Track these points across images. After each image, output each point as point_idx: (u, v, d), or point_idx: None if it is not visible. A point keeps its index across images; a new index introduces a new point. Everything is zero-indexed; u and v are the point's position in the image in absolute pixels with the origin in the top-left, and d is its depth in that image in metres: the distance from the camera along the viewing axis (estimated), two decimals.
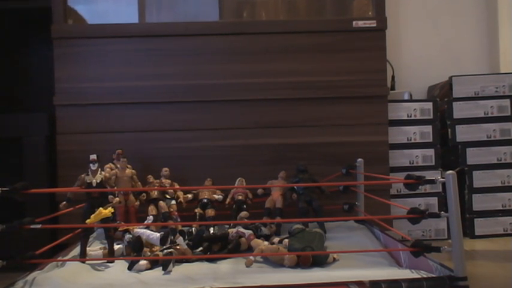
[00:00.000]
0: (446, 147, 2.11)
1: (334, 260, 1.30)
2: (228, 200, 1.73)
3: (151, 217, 1.62)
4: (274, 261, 1.29)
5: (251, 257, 1.29)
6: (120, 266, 1.28)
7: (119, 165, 1.69)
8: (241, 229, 1.47)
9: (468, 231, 2.05)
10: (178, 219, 1.65)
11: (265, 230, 1.54)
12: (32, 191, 1.17)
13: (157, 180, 1.74)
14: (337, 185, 1.79)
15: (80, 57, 1.86)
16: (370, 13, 1.96)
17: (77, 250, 1.38)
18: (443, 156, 2.09)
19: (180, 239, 1.39)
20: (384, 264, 1.24)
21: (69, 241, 1.45)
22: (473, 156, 2.07)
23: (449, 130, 2.08)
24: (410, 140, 2.04)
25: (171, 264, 1.24)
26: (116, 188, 1.58)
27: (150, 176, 1.77)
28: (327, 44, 1.91)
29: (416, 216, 1.15)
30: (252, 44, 1.90)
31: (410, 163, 2.03)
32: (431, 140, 2.04)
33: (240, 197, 1.70)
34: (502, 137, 2.07)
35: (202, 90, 1.88)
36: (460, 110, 2.08)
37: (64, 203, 1.43)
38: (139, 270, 1.24)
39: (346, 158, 1.86)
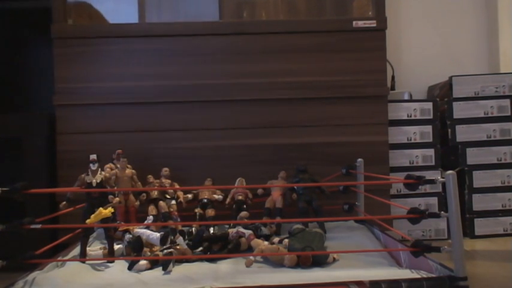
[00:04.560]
0: (446, 147, 2.11)
1: (334, 260, 1.29)
2: (228, 200, 1.73)
3: (151, 217, 1.62)
4: (274, 261, 1.29)
5: (251, 257, 1.28)
6: (120, 266, 1.28)
7: (119, 165, 1.69)
8: (241, 229, 1.47)
9: (468, 231, 2.05)
10: (178, 219, 1.65)
11: (265, 230, 1.54)
12: (32, 191, 1.17)
13: (157, 180, 1.74)
14: (337, 185, 1.79)
15: (80, 57, 1.86)
16: (370, 13, 1.96)
17: (77, 250, 1.38)
18: (443, 156, 2.09)
19: (180, 239, 1.39)
20: (383, 264, 1.24)
21: (69, 241, 1.45)
22: (473, 156, 2.07)
23: (449, 130, 2.08)
24: (410, 140, 2.04)
25: (171, 264, 1.24)
26: (116, 188, 1.58)
27: (150, 176, 1.77)
28: (327, 44, 1.91)
29: (416, 216, 1.15)
30: (252, 44, 1.90)
31: (410, 163, 2.03)
32: (431, 140, 2.04)
33: (240, 197, 1.70)
34: (502, 137, 2.07)
35: (202, 90, 1.88)
36: (460, 110, 2.08)
37: (64, 203, 1.43)
38: (139, 270, 1.24)
39: (346, 158, 1.86)
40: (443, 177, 1.09)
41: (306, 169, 1.73)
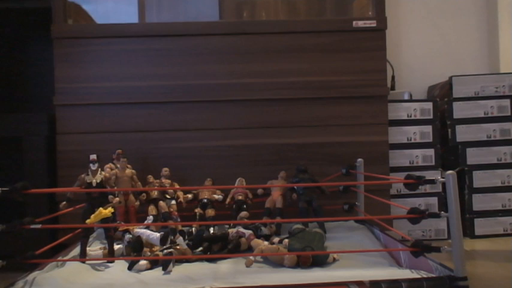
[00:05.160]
0: (446, 147, 2.11)
1: (334, 260, 1.30)
2: (228, 200, 1.73)
3: (151, 217, 1.62)
4: (274, 261, 1.29)
5: (251, 257, 1.28)
6: (120, 266, 1.28)
7: (118, 165, 1.69)
8: (241, 229, 1.47)
9: (468, 231, 2.05)
10: (178, 219, 1.65)
11: (265, 230, 1.54)
12: (32, 191, 1.17)
13: (157, 180, 1.74)
14: (337, 185, 1.79)
15: (80, 57, 1.86)
16: (370, 13, 1.96)
17: (77, 250, 1.38)
18: (443, 156, 2.09)
19: (180, 239, 1.39)
20: (384, 264, 1.24)
21: (69, 241, 1.45)
22: (473, 156, 2.07)
23: (449, 130, 2.08)
24: (410, 140, 2.04)
25: (171, 264, 1.24)
26: (116, 188, 1.58)
27: (150, 176, 1.77)
28: (327, 44, 1.91)
29: (416, 216, 1.15)
30: (252, 44, 1.90)
31: (410, 163, 2.03)
32: (431, 140, 2.04)
33: (240, 197, 1.70)
34: (502, 137, 2.07)
35: (202, 90, 1.88)
36: (460, 110, 2.08)
37: (64, 203, 1.43)
38: (140, 270, 1.24)
39: (346, 158, 1.86)
40: (443, 177, 1.09)
41: (306, 169, 1.73)
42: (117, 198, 1.47)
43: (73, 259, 1.31)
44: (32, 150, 1.82)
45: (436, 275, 1.09)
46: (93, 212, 1.27)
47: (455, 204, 1.07)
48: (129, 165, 1.71)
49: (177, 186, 1.73)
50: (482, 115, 2.07)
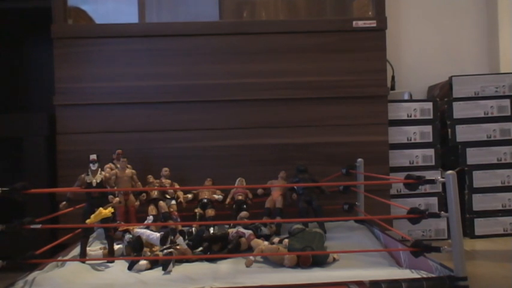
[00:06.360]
0: (446, 147, 2.11)
1: (334, 260, 1.30)
2: (228, 200, 1.73)
3: (151, 217, 1.62)
4: (274, 261, 1.29)
5: (251, 257, 1.28)
6: (120, 266, 1.28)
7: (118, 165, 1.69)
8: (241, 229, 1.47)
9: (468, 231, 2.05)
10: (178, 219, 1.65)
11: (265, 230, 1.54)
12: (32, 191, 1.17)
13: (157, 180, 1.74)
14: (337, 185, 1.79)
15: (80, 57, 1.86)
16: (370, 13, 1.96)
17: (77, 250, 1.38)
18: (443, 156, 2.09)
19: (180, 239, 1.39)
20: (384, 264, 1.24)
21: (69, 241, 1.45)
22: (473, 156, 2.07)
23: (449, 130, 2.08)
24: (410, 140, 2.04)
25: (171, 264, 1.24)
26: (116, 188, 1.58)
27: (150, 176, 1.77)
28: (327, 44, 1.91)
29: (416, 216, 1.15)
30: (252, 44, 1.90)
31: (410, 163, 2.03)
32: (431, 140, 2.04)
33: (240, 197, 1.70)
34: (502, 137, 2.07)
35: (202, 90, 1.88)
36: (460, 110, 2.08)
37: (64, 203, 1.43)
38: (139, 270, 1.24)
39: (346, 158, 1.86)
40: (443, 177, 1.09)
41: (306, 169, 1.73)
42: (117, 198, 1.47)
43: (73, 259, 1.31)
44: (32, 150, 1.82)
45: (436, 275, 1.09)
46: (93, 212, 1.27)
47: (455, 204, 1.07)
48: (129, 165, 1.71)
49: (177, 186, 1.73)
50: (482, 115, 2.07)
